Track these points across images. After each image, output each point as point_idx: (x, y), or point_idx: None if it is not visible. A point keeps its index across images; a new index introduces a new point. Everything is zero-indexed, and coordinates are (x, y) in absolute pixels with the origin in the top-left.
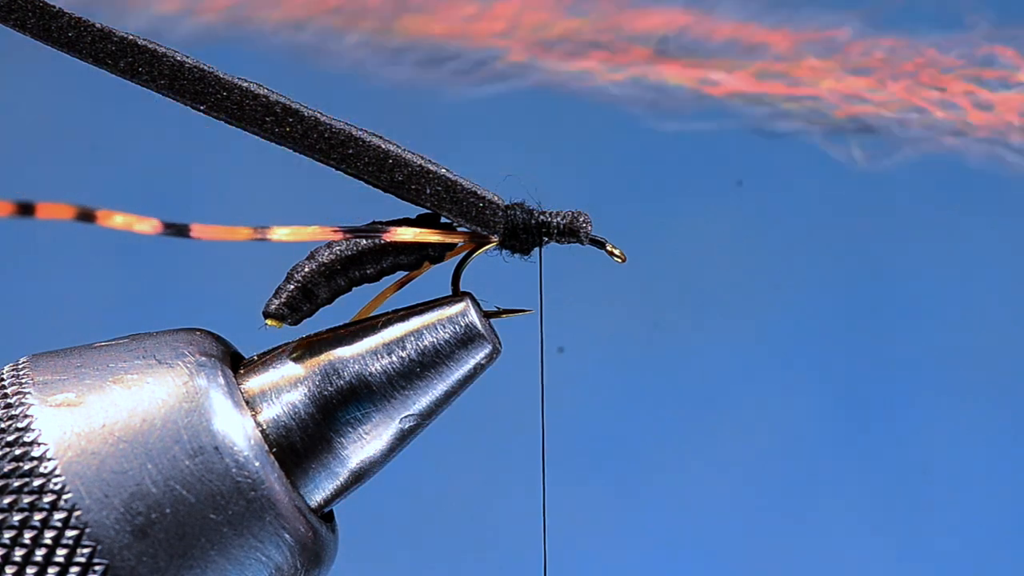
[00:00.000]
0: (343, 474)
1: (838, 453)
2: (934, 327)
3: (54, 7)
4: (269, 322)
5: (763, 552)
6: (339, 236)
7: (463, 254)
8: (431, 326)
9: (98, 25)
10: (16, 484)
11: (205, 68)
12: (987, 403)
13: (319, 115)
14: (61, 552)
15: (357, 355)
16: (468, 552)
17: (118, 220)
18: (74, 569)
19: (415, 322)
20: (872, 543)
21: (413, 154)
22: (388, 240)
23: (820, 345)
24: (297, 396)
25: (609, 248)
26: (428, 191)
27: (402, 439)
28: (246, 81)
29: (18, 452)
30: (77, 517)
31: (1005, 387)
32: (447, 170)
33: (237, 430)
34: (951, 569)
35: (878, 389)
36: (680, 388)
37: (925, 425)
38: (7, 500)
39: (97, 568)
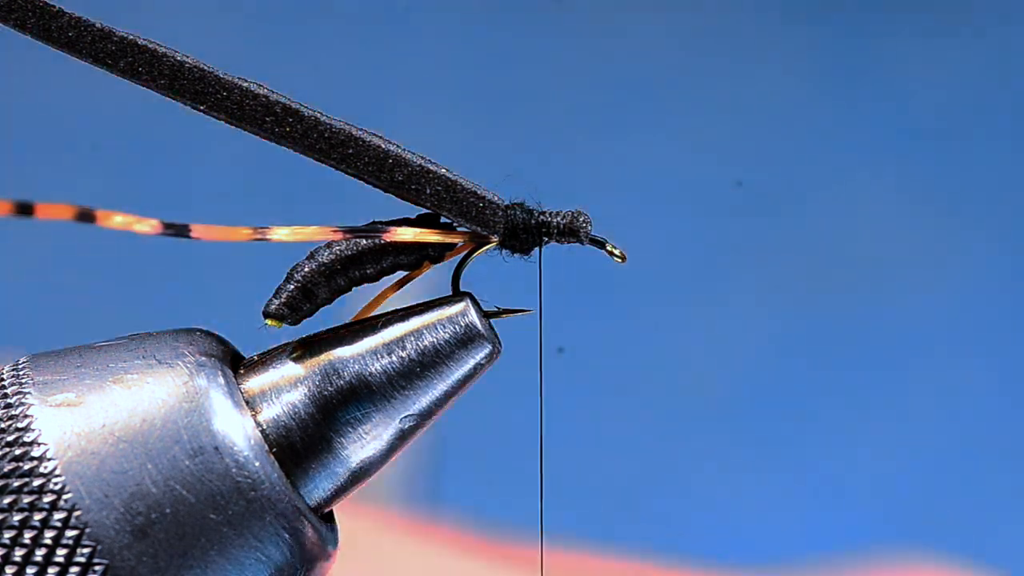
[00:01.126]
0: (343, 474)
1: None
2: None
3: (54, 7)
4: (269, 322)
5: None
6: (339, 236)
7: (463, 254)
8: (431, 326)
9: (98, 25)
10: (16, 484)
11: (205, 68)
12: None
13: (319, 115)
14: (61, 552)
15: (357, 355)
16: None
17: (118, 220)
18: (74, 569)
19: (415, 322)
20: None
21: (413, 154)
22: (388, 240)
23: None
24: (297, 396)
25: (609, 248)
26: (428, 191)
27: (402, 439)
28: (246, 81)
29: (18, 452)
30: (77, 517)
31: None
32: (447, 170)
33: (237, 430)
34: None
35: None
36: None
37: None
38: (7, 500)
39: (97, 568)
